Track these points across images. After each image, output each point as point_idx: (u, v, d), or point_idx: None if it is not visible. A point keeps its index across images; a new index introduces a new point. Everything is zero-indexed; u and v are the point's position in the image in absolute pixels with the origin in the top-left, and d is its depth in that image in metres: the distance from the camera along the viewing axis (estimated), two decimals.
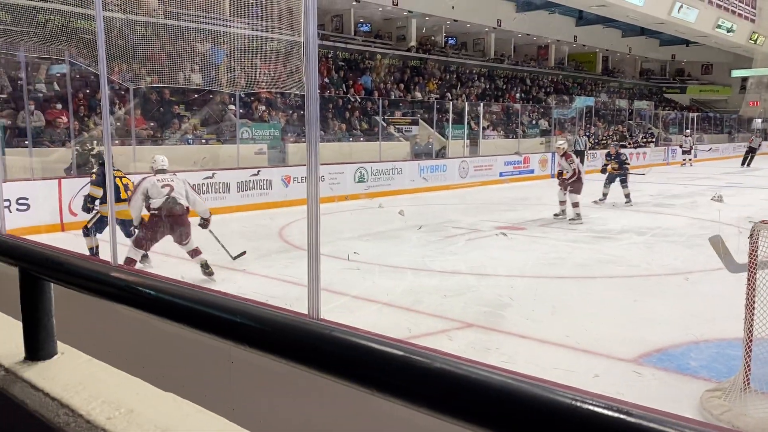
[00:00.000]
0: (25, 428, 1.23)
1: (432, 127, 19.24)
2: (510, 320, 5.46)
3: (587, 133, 23.65)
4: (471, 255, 8.39)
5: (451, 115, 19.97)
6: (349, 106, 19.07)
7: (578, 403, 0.61)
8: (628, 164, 13.92)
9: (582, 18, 30.77)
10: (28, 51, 11.89)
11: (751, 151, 26.13)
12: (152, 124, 13.98)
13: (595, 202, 13.13)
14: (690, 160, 26.11)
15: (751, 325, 3.65)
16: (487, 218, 11.47)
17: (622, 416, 0.59)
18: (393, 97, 21.22)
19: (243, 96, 15.24)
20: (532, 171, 20.49)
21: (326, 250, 8.11)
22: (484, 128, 21.48)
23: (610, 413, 0.60)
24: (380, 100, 19.17)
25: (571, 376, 4.12)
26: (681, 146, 26.76)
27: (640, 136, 28.79)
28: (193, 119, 14.69)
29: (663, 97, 40.46)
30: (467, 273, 7.31)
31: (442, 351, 1.32)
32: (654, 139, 28.80)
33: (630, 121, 30.81)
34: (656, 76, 42.21)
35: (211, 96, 15.07)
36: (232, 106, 14.99)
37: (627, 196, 13.37)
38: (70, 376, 1.29)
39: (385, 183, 15.74)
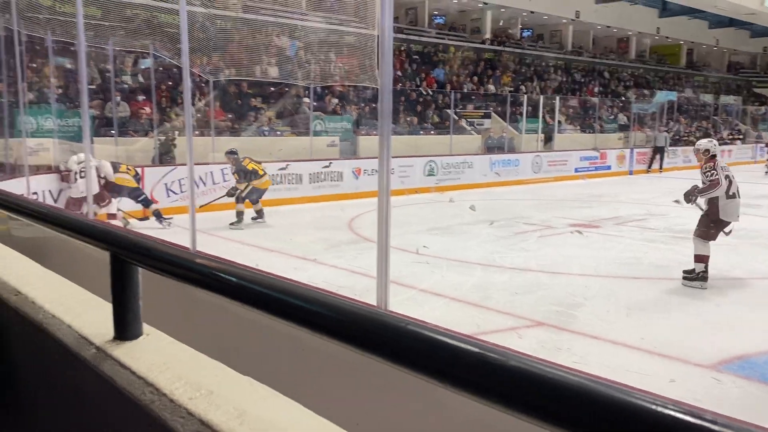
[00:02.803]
0: (114, 403, 1.31)
1: (505, 121, 18.96)
2: (582, 320, 5.34)
3: (667, 129, 22.75)
4: (543, 252, 8.24)
5: (525, 109, 19.62)
6: (421, 99, 19.03)
7: (657, 408, 0.60)
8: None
9: (666, 9, 29.50)
10: (115, 44, 12.46)
11: None
12: (230, 115, 14.41)
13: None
14: None
15: None
16: (561, 215, 11.23)
17: (705, 424, 0.57)
18: (466, 90, 21.03)
19: (317, 89, 15.47)
20: (608, 167, 19.91)
21: (395, 242, 8.16)
22: (559, 122, 20.99)
23: (691, 419, 0.58)
24: (452, 93, 19.03)
25: (645, 380, 4.00)
26: None
27: (726, 133, 27.41)
28: (269, 111, 15.05)
29: (752, 91, 38.34)
30: (538, 270, 7.19)
31: (514, 349, 1.31)
32: (741, 137, 27.34)
33: (715, 117, 29.38)
34: (745, 69, 40.00)
35: (286, 89, 15.39)
36: (306, 99, 15.26)
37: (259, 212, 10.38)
38: (155, 356, 1.36)
39: (455, 177, 15.64)
